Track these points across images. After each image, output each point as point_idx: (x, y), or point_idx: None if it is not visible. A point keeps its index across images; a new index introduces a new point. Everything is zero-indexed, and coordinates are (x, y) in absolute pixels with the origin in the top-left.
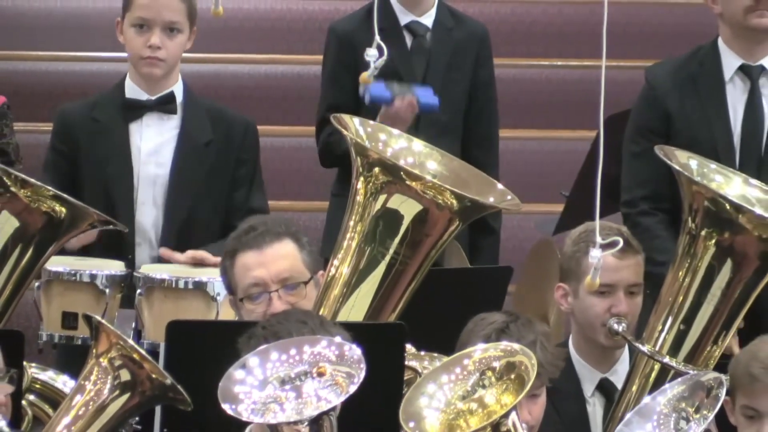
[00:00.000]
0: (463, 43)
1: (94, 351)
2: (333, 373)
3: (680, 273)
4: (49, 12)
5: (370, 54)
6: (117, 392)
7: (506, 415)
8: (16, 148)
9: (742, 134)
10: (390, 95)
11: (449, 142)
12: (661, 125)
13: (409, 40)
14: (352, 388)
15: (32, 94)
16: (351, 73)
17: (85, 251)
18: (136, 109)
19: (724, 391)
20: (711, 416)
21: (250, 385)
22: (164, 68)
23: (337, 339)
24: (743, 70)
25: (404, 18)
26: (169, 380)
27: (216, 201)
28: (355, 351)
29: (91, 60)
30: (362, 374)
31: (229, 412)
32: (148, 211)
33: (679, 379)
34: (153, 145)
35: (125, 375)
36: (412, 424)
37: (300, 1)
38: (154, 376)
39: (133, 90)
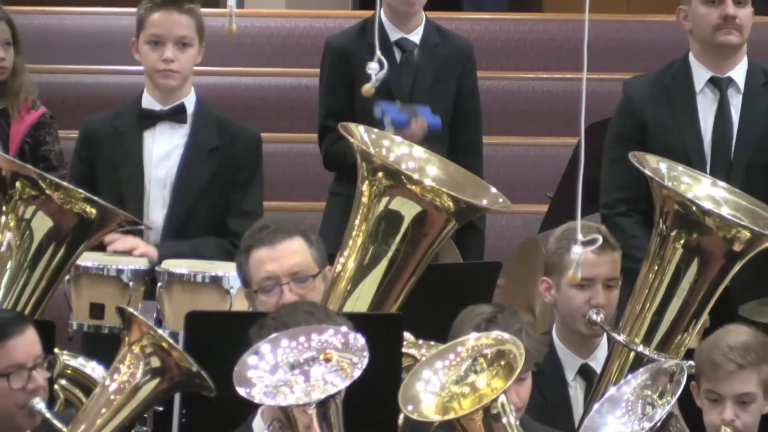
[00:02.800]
0: (448, 58)
1: (126, 339)
2: (339, 359)
3: (653, 269)
4: (79, 30)
5: (372, 67)
6: (148, 377)
7: (496, 399)
8: (58, 155)
9: (713, 141)
10: (407, 119)
11: (437, 149)
12: (638, 133)
13: (398, 55)
14: (356, 373)
15: (63, 103)
16: (346, 83)
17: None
18: (151, 119)
19: (685, 377)
20: (673, 400)
21: (263, 369)
22: (179, 79)
23: (343, 328)
24: (713, 82)
25: (394, 35)
26: (195, 367)
27: (215, 202)
28: (359, 339)
29: (115, 73)
30: (365, 361)
31: (243, 394)
32: (159, 211)
33: (641, 369)
34: (164, 151)
35: (156, 362)
36: (410, 407)
37: (307, 20)
38: (181, 363)
39: (148, 101)
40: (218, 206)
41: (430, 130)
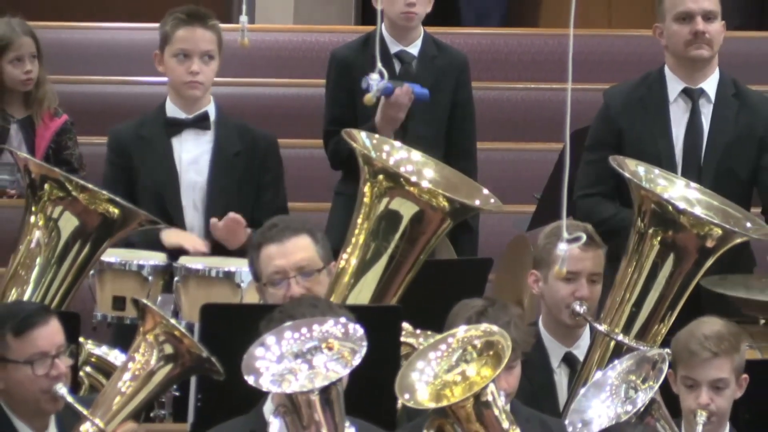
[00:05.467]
0: (444, 69)
1: (141, 329)
2: (340, 347)
3: (631, 264)
4: (101, 43)
5: (373, 78)
6: (162, 363)
7: (485, 387)
8: (79, 159)
9: (684, 147)
10: (391, 86)
11: (433, 154)
12: (614, 139)
13: (397, 66)
14: (356, 361)
15: (86, 112)
16: (348, 92)
17: (130, 244)
18: (176, 126)
19: (667, 365)
20: (656, 386)
21: (269, 359)
22: (203, 90)
23: (342, 319)
24: (686, 92)
25: (394, 47)
26: (205, 353)
27: (246, 202)
28: (358, 329)
29: (135, 83)
30: (364, 350)
31: (251, 383)
32: (190, 213)
33: (627, 356)
34: (192, 156)
35: (168, 349)
36: (407, 396)
37: (312, 34)
38: (192, 349)
39: (172, 110)
40: (248, 206)
41: (417, 98)
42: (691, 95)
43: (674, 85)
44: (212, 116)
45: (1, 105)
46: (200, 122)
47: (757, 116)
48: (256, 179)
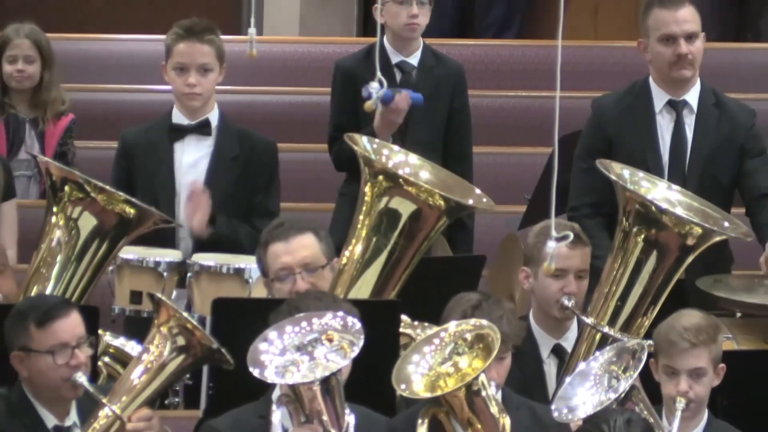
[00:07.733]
0: (442, 78)
1: (155, 321)
2: (339, 339)
3: (617, 261)
4: (112, 53)
5: (373, 86)
6: (174, 354)
7: (477, 377)
8: (73, 153)
9: (670, 156)
10: (391, 93)
11: (431, 158)
12: (603, 146)
13: (398, 76)
14: (355, 351)
15: (100, 118)
16: (352, 100)
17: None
18: (180, 132)
19: (645, 354)
20: (635, 374)
21: (272, 353)
22: (201, 100)
23: (340, 312)
24: (670, 104)
25: (395, 58)
26: (215, 345)
27: (239, 203)
28: (356, 323)
29: (144, 91)
30: (362, 341)
31: (257, 375)
32: None
33: (608, 347)
34: (192, 160)
35: (181, 340)
36: (403, 386)
37: (317, 45)
38: (203, 341)
39: (177, 117)
40: (241, 207)
41: (414, 104)
42: (675, 107)
43: (659, 97)
44: (214, 123)
45: (10, 104)
46: (202, 128)
47: (737, 125)
48: (251, 182)
